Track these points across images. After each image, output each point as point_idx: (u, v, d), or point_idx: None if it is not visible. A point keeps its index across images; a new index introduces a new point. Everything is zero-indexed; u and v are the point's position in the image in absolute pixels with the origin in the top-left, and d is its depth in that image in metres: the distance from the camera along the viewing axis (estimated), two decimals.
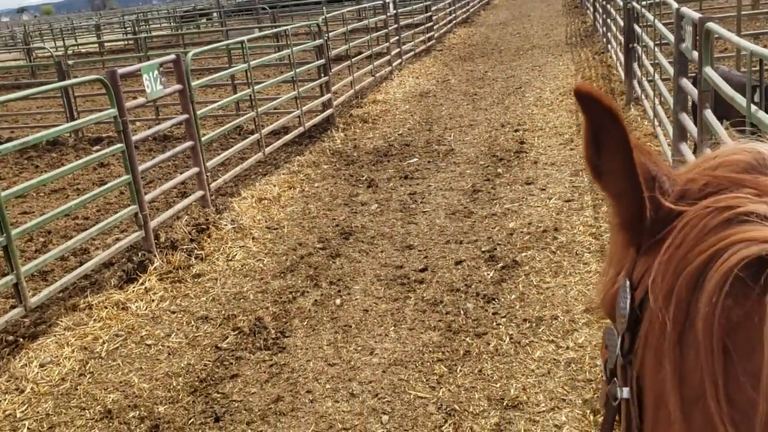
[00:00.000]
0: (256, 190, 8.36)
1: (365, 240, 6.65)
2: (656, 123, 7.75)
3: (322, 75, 10.94)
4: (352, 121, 11.49)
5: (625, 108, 9.92)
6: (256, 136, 9.02)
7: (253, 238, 6.95)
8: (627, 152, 0.73)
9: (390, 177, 8.56)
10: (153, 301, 5.79)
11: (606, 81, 12.08)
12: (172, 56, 7.24)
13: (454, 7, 24.52)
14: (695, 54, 4.97)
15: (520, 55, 17.01)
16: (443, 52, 19.11)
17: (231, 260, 6.48)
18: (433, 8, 20.07)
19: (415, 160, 9.24)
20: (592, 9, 19.73)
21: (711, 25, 4.41)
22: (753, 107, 3.41)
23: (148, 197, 6.56)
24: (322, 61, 10.81)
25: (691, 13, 5.14)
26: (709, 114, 4.63)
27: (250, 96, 9.16)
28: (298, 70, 10.19)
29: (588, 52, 15.78)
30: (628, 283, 0.75)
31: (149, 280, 6.03)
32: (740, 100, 3.64)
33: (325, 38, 10.90)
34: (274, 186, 8.45)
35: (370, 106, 12.45)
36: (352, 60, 12.63)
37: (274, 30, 15.92)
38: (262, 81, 10.85)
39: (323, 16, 11.51)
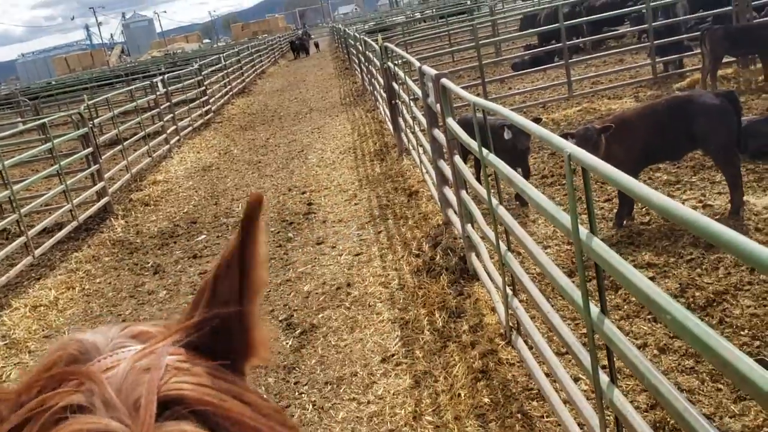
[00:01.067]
0: (29, 297, 7.65)
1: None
2: (423, 170, 8.32)
3: (92, 164, 10.39)
4: (132, 206, 11.00)
5: (399, 159, 10.55)
6: (22, 239, 8.29)
7: (29, 352, 6.32)
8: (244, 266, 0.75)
9: (178, 259, 8.27)
10: None
11: (379, 136, 12.77)
12: None
13: (228, 79, 24.66)
14: (439, 107, 5.44)
15: (299, 120, 17.48)
16: (223, 123, 19.08)
17: (5, 381, 5.82)
18: (206, 82, 20.04)
19: (204, 237, 9.04)
20: (359, 70, 20.88)
21: (445, 81, 4.87)
22: (485, 151, 3.80)
23: None
24: (89, 149, 10.28)
25: (429, 70, 5.64)
26: (457, 159, 5.07)
27: (10, 197, 8.43)
28: (63, 162, 9.59)
29: (361, 110, 16.62)
30: None
31: None
32: (475, 145, 4.04)
33: (90, 126, 10.40)
34: (50, 289, 7.79)
35: (151, 188, 12.03)
36: (124, 144, 12.15)
37: (36, 123, 14.87)
38: (28, 177, 10.07)
39: (85, 104, 10.98)
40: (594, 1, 18.15)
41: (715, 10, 11.69)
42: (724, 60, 10.36)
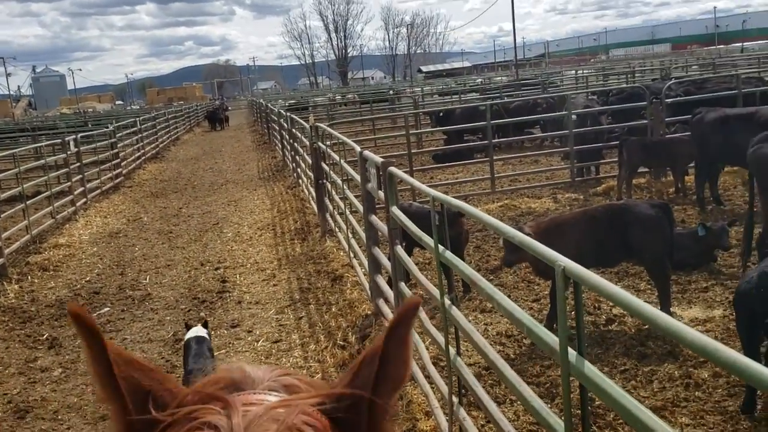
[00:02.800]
0: None
1: (47, 416, 5.64)
2: (352, 255, 8.08)
3: None
4: (29, 270, 10.14)
5: (322, 240, 10.29)
6: None
7: None
8: (110, 370, 0.83)
9: (77, 333, 7.54)
10: None
11: (301, 214, 12.51)
12: None
13: (143, 143, 23.93)
14: (381, 194, 5.29)
15: (214, 191, 17.00)
16: (133, 188, 18.32)
17: None
18: (120, 144, 19.32)
19: (107, 309, 8.37)
20: (280, 145, 20.75)
21: (393, 169, 4.75)
22: (441, 248, 3.64)
23: None
24: None
25: (374, 157, 5.53)
26: (399, 250, 4.90)
27: None
28: None
29: (281, 186, 16.35)
30: None
31: None
32: (428, 240, 3.88)
33: None
34: None
35: (51, 251, 11.18)
36: (27, 202, 11.31)
37: None
38: None
39: None
40: (508, 103, 18.94)
41: (631, 123, 12.39)
42: (638, 170, 10.90)
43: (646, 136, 11.37)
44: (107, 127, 19.62)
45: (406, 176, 4.67)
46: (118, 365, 0.84)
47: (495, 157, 12.84)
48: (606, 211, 6.20)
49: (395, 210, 4.82)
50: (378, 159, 5.30)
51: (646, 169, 11.33)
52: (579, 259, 5.97)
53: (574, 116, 11.97)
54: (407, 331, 0.86)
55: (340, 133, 23.91)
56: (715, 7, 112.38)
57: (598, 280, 2.06)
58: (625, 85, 22.43)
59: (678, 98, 11.98)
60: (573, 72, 42.12)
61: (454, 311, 3.57)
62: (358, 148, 6.42)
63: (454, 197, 12.36)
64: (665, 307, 5.86)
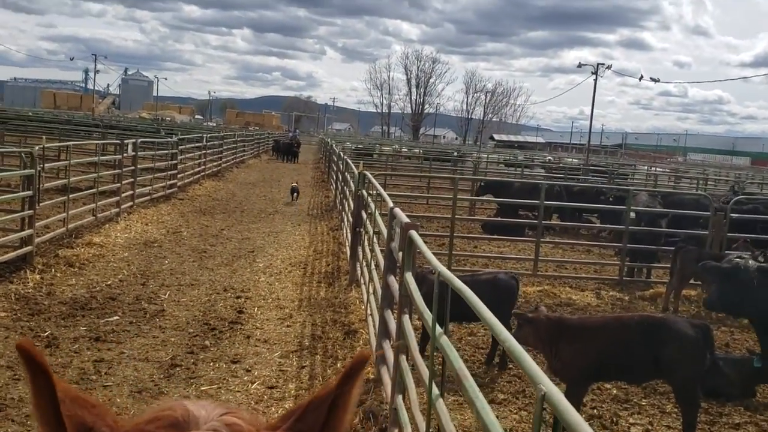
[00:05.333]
0: None
1: (17, 419, 5.41)
2: (368, 312, 7.74)
3: (27, 207, 9.63)
4: (55, 263, 10.12)
5: (348, 288, 9.99)
6: None
7: None
8: (56, 409, 0.84)
9: (78, 336, 7.40)
10: None
11: (335, 258, 12.26)
12: None
13: (205, 159, 24.33)
14: (401, 255, 4.97)
15: (261, 218, 16.98)
16: (184, 201, 18.48)
17: None
18: (181, 157, 19.63)
19: (116, 318, 8.20)
20: (335, 186, 20.74)
21: (413, 233, 4.44)
22: (438, 329, 3.28)
23: None
24: (29, 192, 9.56)
25: (401, 215, 5.23)
26: (406, 320, 4.54)
27: None
28: None
29: (325, 226, 16.21)
30: None
31: None
32: (428, 316, 3.53)
33: (40, 168, 9.74)
34: None
35: (83, 248, 11.19)
36: (70, 195, 11.42)
37: None
38: None
39: (42, 145, 10.37)
40: (571, 186, 18.47)
41: (691, 231, 11.78)
42: (690, 281, 10.27)
43: (704, 247, 10.75)
44: (172, 138, 20.00)
45: (420, 242, 4.34)
46: (65, 404, 0.86)
47: (545, 239, 12.39)
48: (641, 322, 5.68)
49: (408, 277, 4.48)
50: (404, 218, 4.99)
51: (699, 282, 10.68)
52: (599, 366, 5.55)
53: (633, 213, 11.46)
54: (354, 385, 0.89)
55: (398, 184, 23.81)
56: None
57: (577, 420, 1.68)
58: (696, 191, 21.68)
59: (743, 215, 11.35)
60: (645, 167, 41.23)
61: (440, 405, 3.18)
62: (390, 204, 6.15)
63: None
64: None
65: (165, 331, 7.89)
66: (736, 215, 11.36)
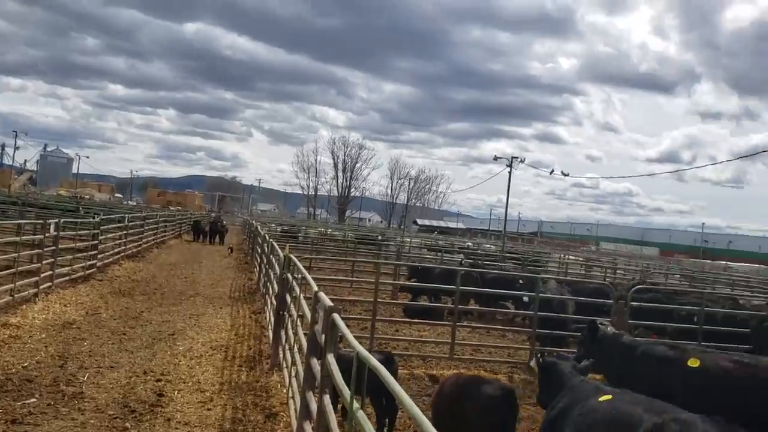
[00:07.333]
0: None
1: None
2: (290, 395, 7.97)
3: None
4: None
5: (269, 372, 10.14)
6: None
7: None
8: None
9: None
10: None
11: (257, 341, 12.39)
12: None
13: (125, 240, 24.06)
14: (323, 337, 5.35)
15: (181, 301, 16.89)
16: (103, 282, 18.20)
17: None
18: (102, 237, 19.45)
19: (34, 400, 8.09)
20: (258, 269, 20.88)
21: (335, 316, 4.86)
22: (356, 404, 3.67)
23: None
24: None
25: (325, 299, 5.64)
26: (327, 400, 4.88)
27: None
28: None
29: (247, 309, 16.28)
30: None
31: None
32: (346, 393, 3.91)
33: None
34: None
35: None
36: None
37: None
38: None
39: None
40: (486, 273, 19.30)
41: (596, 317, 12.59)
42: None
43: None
44: (94, 217, 19.84)
45: (342, 325, 4.76)
46: None
47: (461, 323, 12.94)
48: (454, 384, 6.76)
49: (330, 358, 4.86)
50: (327, 302, 5.41)
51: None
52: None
53: (529, 297, 12.21)
54: None
55: (324, 267, 24.08)
56: (703, 223, 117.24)
57: None
58: (605, 280, 22.96)
59: (642, 303, 12.30)
60: (559, 255, 43.15)
61: None
62: (315, 287, 6.55)
63: (413, 355, 12.27)
64: None
65: (84, 413, 7.85)
66: (636, 303, 12.29)
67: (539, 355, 7.51)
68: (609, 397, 5.05)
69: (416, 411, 2.72)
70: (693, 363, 6.70)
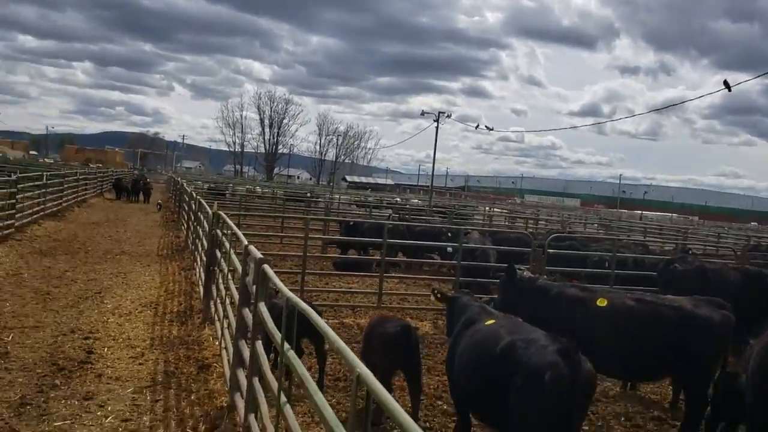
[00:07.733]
0: None
1: None
2: (222, 345, 8.13)
3: None
4: None
5: (201, 326, 10.24)
6: None
7: None
8: None
9: None
10: None
11: (187, 297, 12.42)
12: None
13: (45, 198, 23.26)
14: (254, 288, 5.52)
15: (107, 259, 16.63)
16: (23, 242, 17.66)
17: None
18: (19, 196, 18.77)
19: None
20: (186, 226, 20.67)
21: (266, 267, 5.03)
22: (287, 345, 3.88)
23: None
24: None
25: (255, 251, 5.80)
26: (258, 345, 5.09)
27: None
28: None
29: (176, 266, 16.19)
30: None
31: None
32: (278, 336, 4.11)
33: None
34: None
35: None
36: None
37: None
38: None
39: None
40: (414, 226, 19.77)
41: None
42: None
43: None
44: (10, 176, 19.09)
45: (272, 274, 4.95)
46: None
47: (390, 275, 13.31)
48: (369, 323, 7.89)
49: (261, 306, 5.05)
50: (258, 254, 5.57)
51: None
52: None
53: (452, 247, 12.67)
54: None
55: (252, 224, 24.09)
56: (621, 175, 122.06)
57: (384, 394, 2.36)
58: (527, 230, 23.81)
59: (559, 251, 12.94)
60: (484, 208, 44.27)
61: (287, 410, 3.77)
62: (245, 242, 6.68)
63: (342, 305, 12.57)
64: None
65: (11, 372, 7.79)
66: (553, 251, 12.94)
67: (434, 289, 8.06)
68: (492, 321, 5.84)
69: (341, 344, 2.95)
70: (601, 302, 7.24)
